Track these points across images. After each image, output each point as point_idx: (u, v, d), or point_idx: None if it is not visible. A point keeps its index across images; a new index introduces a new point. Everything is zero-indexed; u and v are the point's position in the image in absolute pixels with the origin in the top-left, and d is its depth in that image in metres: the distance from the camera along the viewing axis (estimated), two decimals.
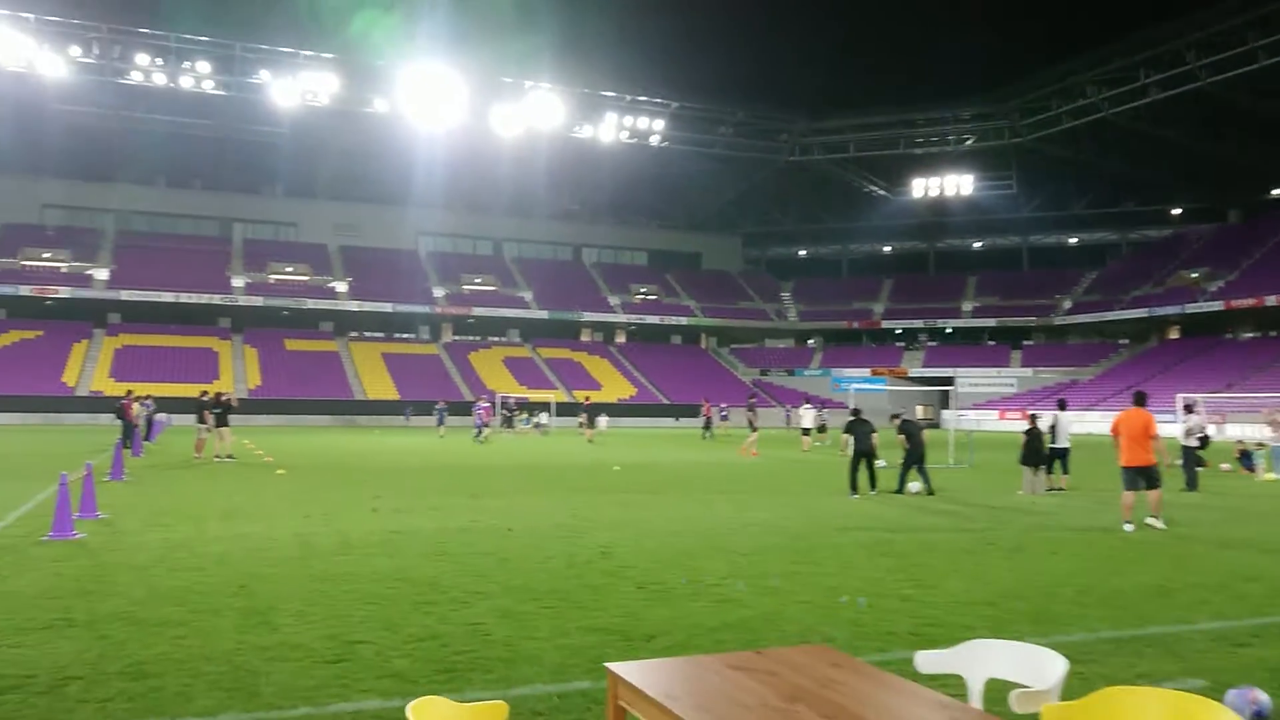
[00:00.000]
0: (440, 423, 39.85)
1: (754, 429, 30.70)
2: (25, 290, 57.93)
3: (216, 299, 61.58)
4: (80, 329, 58.95)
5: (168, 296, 59.82)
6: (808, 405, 32.54)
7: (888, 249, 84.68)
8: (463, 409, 46.18)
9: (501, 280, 71.82)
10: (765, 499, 14.93)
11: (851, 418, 15.87)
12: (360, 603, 6.92)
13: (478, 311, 67.51)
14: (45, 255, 61.30)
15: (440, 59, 54.83)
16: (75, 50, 52.30)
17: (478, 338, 70.30)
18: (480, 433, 34.34)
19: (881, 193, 76.93)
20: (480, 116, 58.63)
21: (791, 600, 7.23)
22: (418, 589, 7.43)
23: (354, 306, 64.54)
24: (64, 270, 60.70)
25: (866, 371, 66.15)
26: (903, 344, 74.51)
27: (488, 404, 38.99)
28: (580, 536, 10.43)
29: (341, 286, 65.57)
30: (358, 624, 6.29)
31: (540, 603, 7.01)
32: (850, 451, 15.53)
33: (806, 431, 30.53)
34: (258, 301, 62.23)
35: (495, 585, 7.63)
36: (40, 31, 50.90)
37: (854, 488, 15.41)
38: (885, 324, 75.12)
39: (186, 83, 55.23)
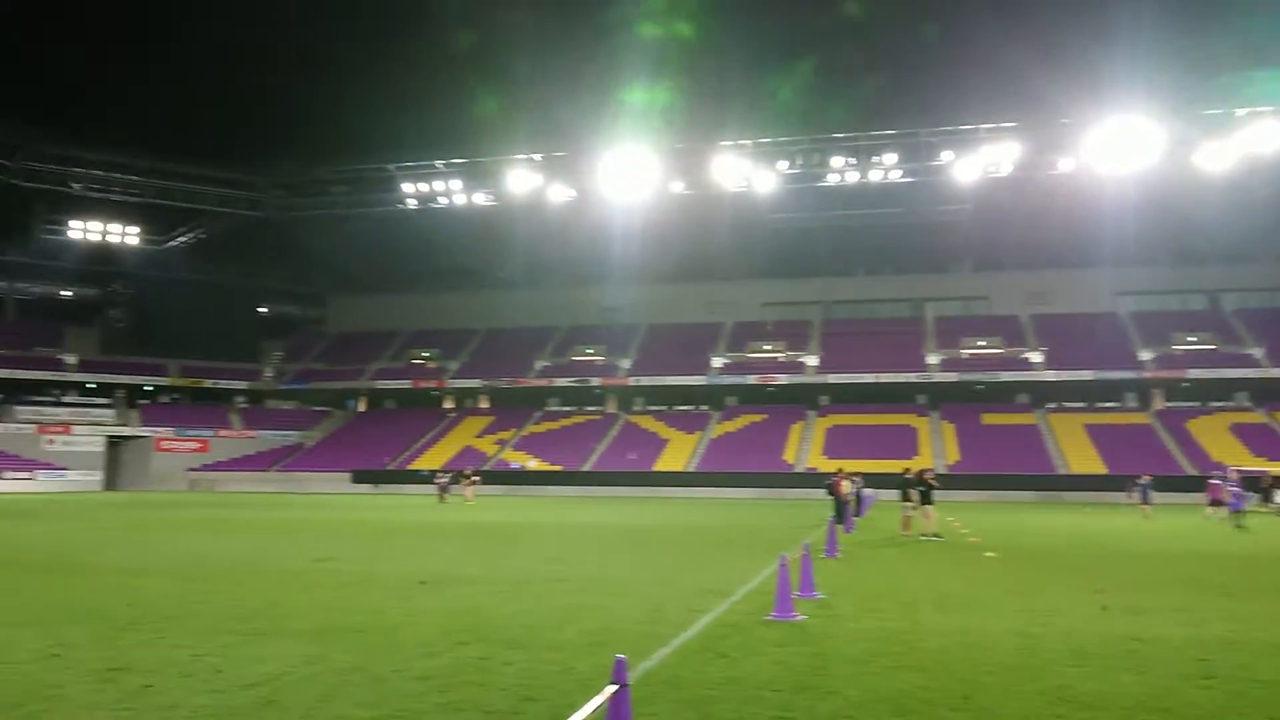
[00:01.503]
0: (1144, 499, 35.19)
1: None
2: (751, 379, 66.29)
3: (912, 377, 63.66)
4: (796, 411, 65.24)
5: (868, 377, 63.51)
6: None
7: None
8: (1177, 483, 40.64)
9: (1221, 337, 62.85)
10: None
11: None
12: None
13: (1193, 373, 59.79)
14: (766, 347, 69.60)
15: (1131, 107, 50.57)
16: (782, 164, 58.87)
17: (1196, 403, 62.19)
18: (1237, 513, 29.10)
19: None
20: (1178, 157, 52.54)
21: None
22: None
23: (1051, 376, 61.70)
24: (781, 359, 68.15)
25: None
26: None
27: (1219, 479, 33.51)
28: None
29: (1036, 357, 63.20)
30: None
31: None
32: None
33: None
34: (952, 377, 62.87)
35: None
36: (755, 153, 58.48)
37: None
38: None
39: (875, 176, 58.57)
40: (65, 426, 67.40)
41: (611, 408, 71.44)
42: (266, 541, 19.84)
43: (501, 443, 66.63)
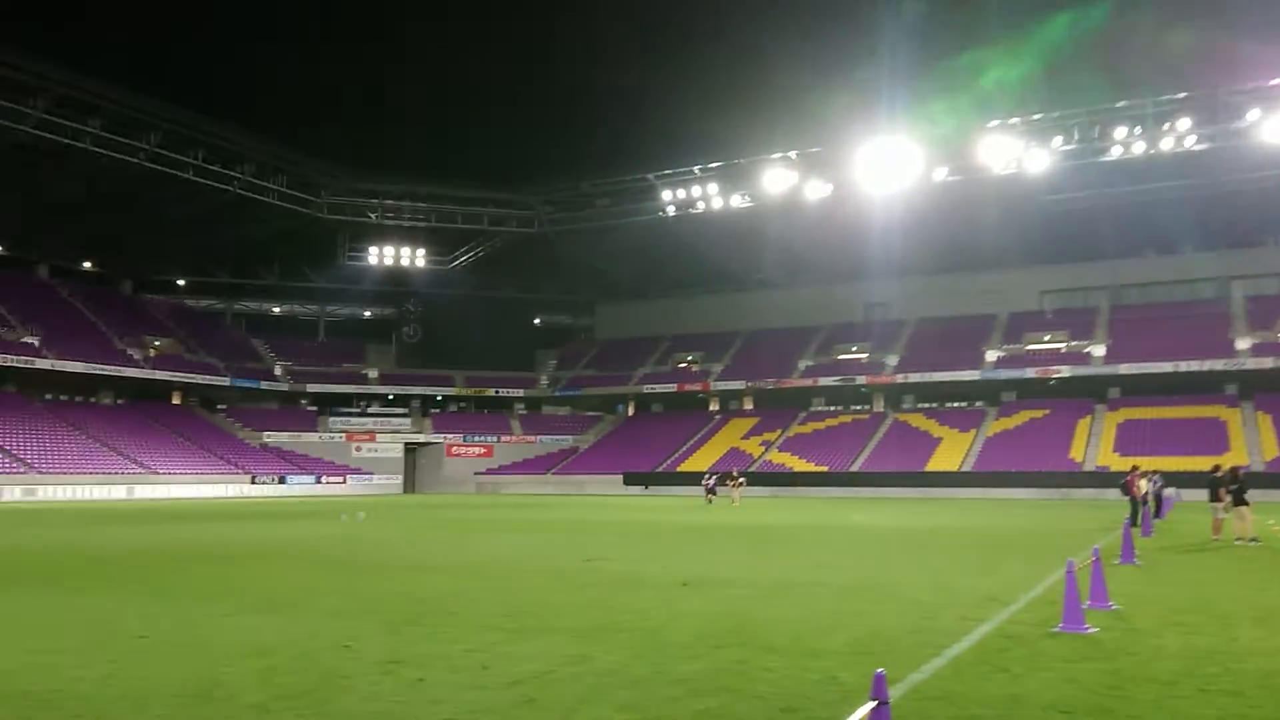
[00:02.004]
0: None
1: None
2: (1030, 373, 62.17)
3: (1219, 364, 57.35)
4: (1082, 405, 60.58)
5: (1165, 366, 57.86)
6: None
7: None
8: None
9: None
10: None
11: None
12: None
13: None
14: (1045, 338, 65.13)
15: None
16: (1056, 140, 54.91)
17: None
18: None
19: None
20: None
21: None
22: None
23: None
24: (1063, 350, 63.51)
25: None
26: None
27: None
28: None
29: None
30: None
31: None
32: None
33: None
34: (1267, 363, 56.07)
35: None
36: (1026, 131, 54.94)
37: None
38: None
39: (1166, 144, 53.41)
40: (370, 435, 74.04)
41: (879, 406, 69.50)
42: (541, 541, 20.71)
43: (766, 444, 66.49)
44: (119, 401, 68.91)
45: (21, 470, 52.88)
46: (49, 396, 65.17)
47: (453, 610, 10.00)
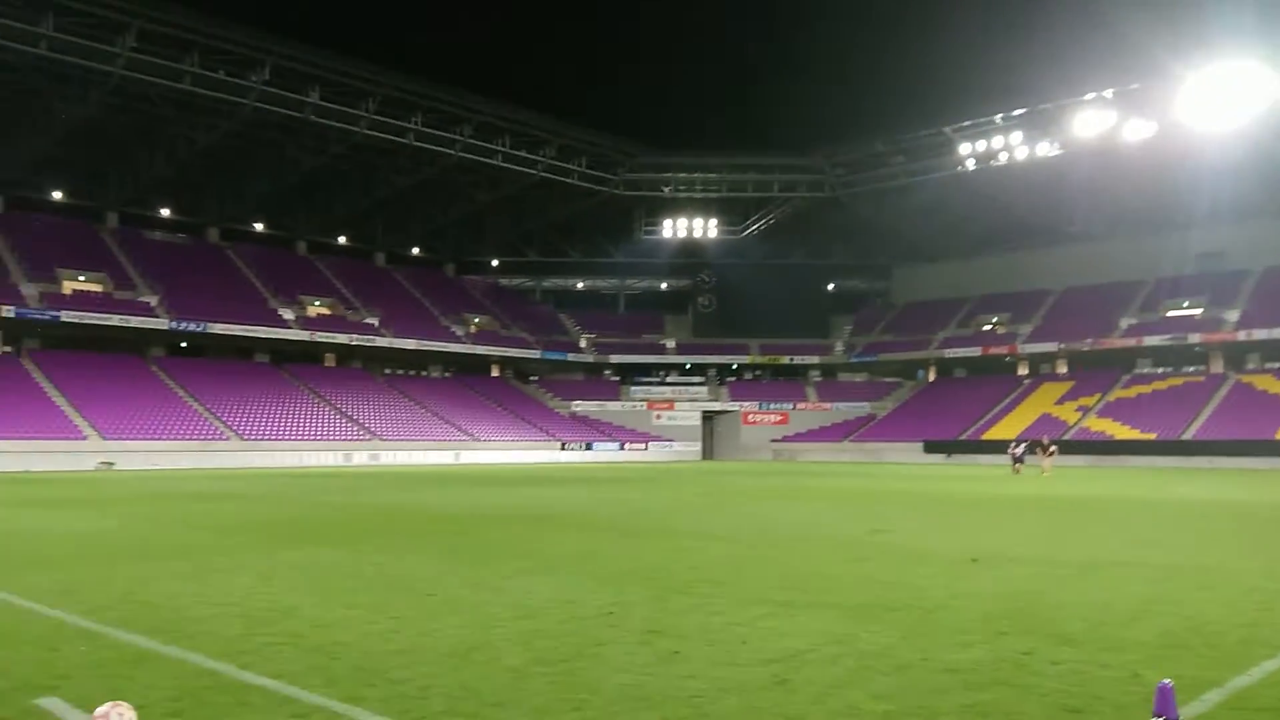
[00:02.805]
0: None
1: None
2: None
3: None
4: None
5: None
6: None
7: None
8: None
9: None
10: None
11: None
12: None
13: None
14: None
15: None
16: None
17: None
18: None
19: None
20: None
21: None
22: None
23: None
24: None
25: None
26: None
27: None
28: None
29: None
30: None
31: None
32: None
33: None
34: None
35: None
36: None
37: None
38: None
39: None
40: (669, 403, 76.20)
41: (1216, 367, 62.37)
42: (830, 510, 20.24)
43: (1083, 409, 61.67)
44: (445, 374, 75.37)
45: (367, 438, 59.21)
46: (388, 371, 72.45)
47: (723, 580, 9.88)
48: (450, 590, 9.20)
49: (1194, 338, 62.13)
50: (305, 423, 58.53)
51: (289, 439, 55.68)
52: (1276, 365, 60.10)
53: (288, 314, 66.45)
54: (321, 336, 66.26)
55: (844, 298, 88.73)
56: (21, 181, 63.78)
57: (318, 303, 70.18)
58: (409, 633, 7.21)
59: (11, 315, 53.98)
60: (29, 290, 56.74)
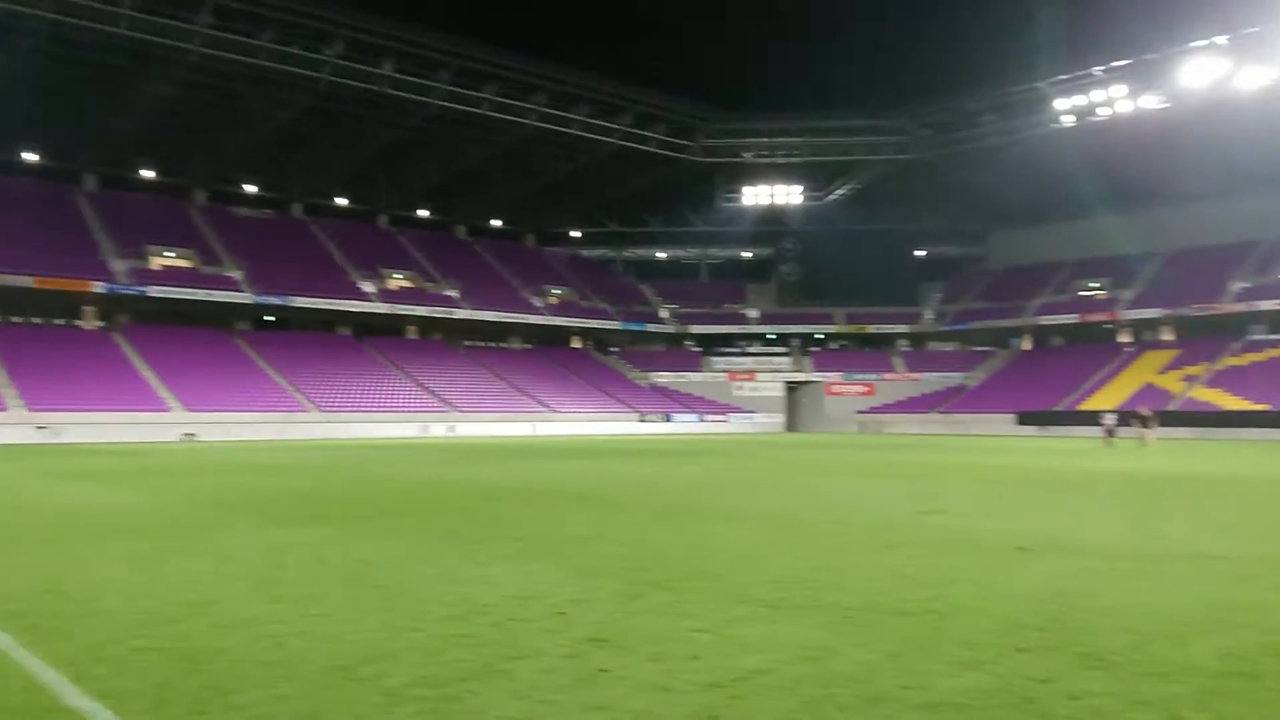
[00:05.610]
0: None
1: None
2: None
3: None
4: None
5: None
6: None
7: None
8: None
9: None
10: None
11: None
12: None
13: None
14: None
15: None
16: None
17: None
18: None
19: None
20: None
21: None
22: None
23: None
24: None
25: None
26: None
27: None
28: None
29: None
30: None
31: None
32: None
33: None
34: None
35: None
36: None
37: None
38: None
39: None
40: (750, 374, 74.68)
41: None
42: (890, 487, 18.80)
43: (1190, 379, 58.16)
44: (526, 346, 75.17)
45: (446, 410, 59.29)
46: (468, 343, 72.56)
47: (718, 573, 8.69)
48: (404, 580, 8.25)
49: None
50: (384, 395, 58.89)
51: (367, 411, 56.06)
52: None
53: (369, 287, 66.94)
54: (402, 309, 66.62)
55: (934, 264, 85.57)
56: (114, 160, 65.45)
57: (398, 275, 70.55)
58: (312, 636, 6.25)
59: (103, 291, 55.49)
60: (119, 266, 58.23)
